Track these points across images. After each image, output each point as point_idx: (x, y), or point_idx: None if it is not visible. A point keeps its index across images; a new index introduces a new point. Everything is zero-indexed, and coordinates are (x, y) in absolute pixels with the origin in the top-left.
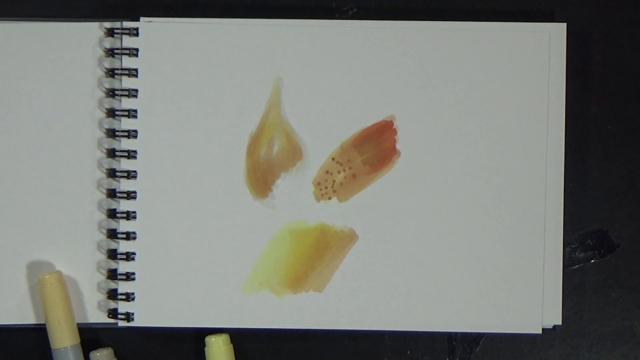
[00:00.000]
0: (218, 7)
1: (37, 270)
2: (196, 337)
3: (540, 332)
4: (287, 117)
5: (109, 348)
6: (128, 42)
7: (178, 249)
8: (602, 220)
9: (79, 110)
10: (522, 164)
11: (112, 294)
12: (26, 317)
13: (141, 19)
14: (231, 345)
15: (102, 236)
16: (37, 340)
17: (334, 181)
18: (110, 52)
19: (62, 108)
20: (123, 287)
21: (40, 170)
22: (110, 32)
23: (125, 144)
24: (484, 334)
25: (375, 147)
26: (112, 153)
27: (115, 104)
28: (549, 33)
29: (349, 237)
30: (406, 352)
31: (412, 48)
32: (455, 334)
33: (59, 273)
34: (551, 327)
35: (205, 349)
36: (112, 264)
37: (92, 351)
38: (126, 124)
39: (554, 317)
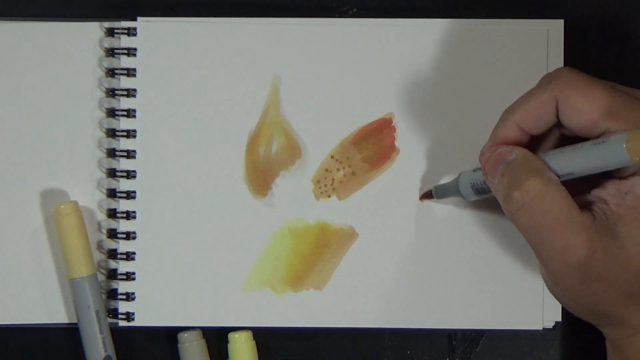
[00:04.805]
0: (217, 7)
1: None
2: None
3: (540, 328)
4: (286, 115)
5: (198, 329)
6: (126, 41)
7: (178, 248)
8: None
9: (79, 110)
10: None
11: (113, 294)
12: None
13: (138, 18)
14: (254, 342)
15: (102, 236)
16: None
17: (333, 179)
18: (110, 52)
19: (62, 108)
20: (123, 286)
21: (41, 170)
22: (110, 32)
23: (125, 143)
24: (484, 331)
25: (375, 144)
26: (111, 153)
27: (115, 103)
28: (547, 30)
29: (349, 235)
30: (406, 351)
31: (410, 46)
32: (456, 332)
33: (75, 203)
34: (552, 325)
35: (228, 345)
36: (112, 264)
37: (181, 332)
38: (125, 123)
39: (554, 314)
